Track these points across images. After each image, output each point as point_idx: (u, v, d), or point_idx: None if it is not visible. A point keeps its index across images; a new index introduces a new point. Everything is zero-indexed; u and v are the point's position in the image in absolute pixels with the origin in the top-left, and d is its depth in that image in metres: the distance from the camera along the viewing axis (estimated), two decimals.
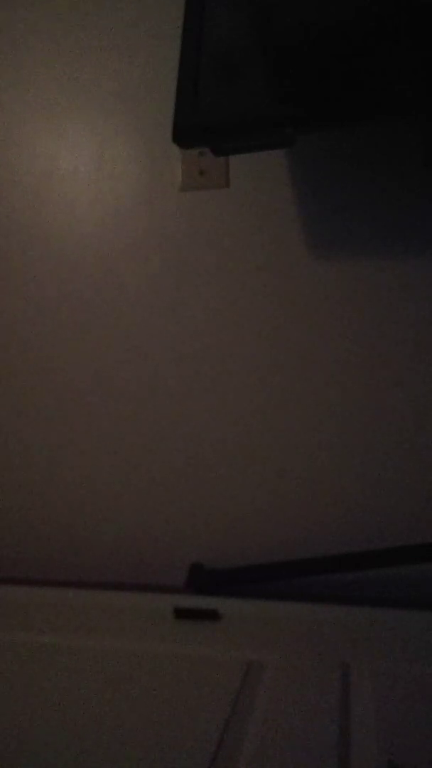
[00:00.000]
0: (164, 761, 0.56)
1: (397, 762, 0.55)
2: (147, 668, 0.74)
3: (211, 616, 0.89)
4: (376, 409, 0.99)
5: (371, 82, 0.72)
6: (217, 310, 1.06)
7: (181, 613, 0.90)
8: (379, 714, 0.63)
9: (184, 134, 0.81)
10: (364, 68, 0.73)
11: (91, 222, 1.11)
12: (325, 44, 0.76)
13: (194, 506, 1.06)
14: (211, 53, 0.81)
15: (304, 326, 1.02)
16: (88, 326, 1.11)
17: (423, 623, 0.85)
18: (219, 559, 1.04)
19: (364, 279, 1.00)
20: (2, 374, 1.14)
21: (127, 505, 1.09)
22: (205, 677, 0.72)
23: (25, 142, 1.14)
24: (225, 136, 0.81)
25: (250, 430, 1.04)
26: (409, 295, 0.98)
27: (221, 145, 0.84)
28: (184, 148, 0.93)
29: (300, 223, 1.02)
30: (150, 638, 0.83)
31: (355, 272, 1.00)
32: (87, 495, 1.10)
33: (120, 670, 0.74)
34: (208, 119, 0.80)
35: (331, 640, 0.81)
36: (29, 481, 1.13)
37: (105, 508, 1.10)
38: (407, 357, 0.98)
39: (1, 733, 0.62)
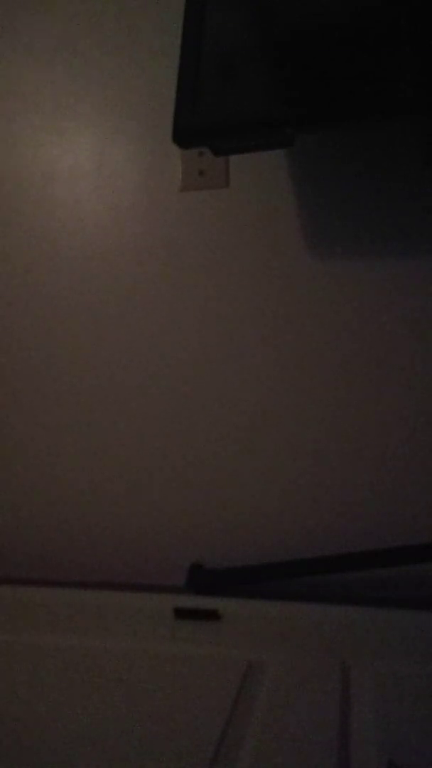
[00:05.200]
0: (164, 761, 0.56)
1: (397, 762, 0.55)
2: (147, 668, 0.74)
3: (211, 616, 0.89)
4: (376, 408, 0.99)
5: (371, 82, 0.72)
6: (217, 309, 1.06)
7: (181, 613, 0.90)
8: (379, 714, 0.63)
9: (184, 134, 0.81)
10: (364, 68, 0.73)
11: (91, 222, 1.11)
12: (325, 44, 0.76)
13: (194, 506, 1.06)
14: (211, 53, 0.81)
15: (304, 326, 1.02)
16: (88, 326, 1.11)
17: (423, 623, 0.85)
18: (219, 559, 1.04)
19: (364, 279, 1.00)
20: (1, 373, 1.14)
21: (127, 505, 1.09)
22: (205, 677, 0.72)
23: (25, 143, 1.14)
24: (225, 136, 0.81)
25: (250, 429, 1.04)
26: (409, 294, 0.98)
27: (221, 145, 0.84)
28: (184, 148, 0.93)
29: (300, 223, 1.02)
30: (150, 638, 0.83)
31: (356, 272, 1.00)
32: (87, 495, 1.10)
33: (120, 670, 0.74)
34: (207, 119, 0.80)
35: (331, 640, 0.81)
36: (29, 482, 1.13)
37: (105, 508, 1.10)
38: (408, 356, 0.98)
39: (1, 733, 0.62)
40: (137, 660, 0.76)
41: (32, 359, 1.13)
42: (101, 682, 0.71)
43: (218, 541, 1.05)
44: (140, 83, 1.09)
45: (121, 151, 1.10)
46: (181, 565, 1.06)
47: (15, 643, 0.81)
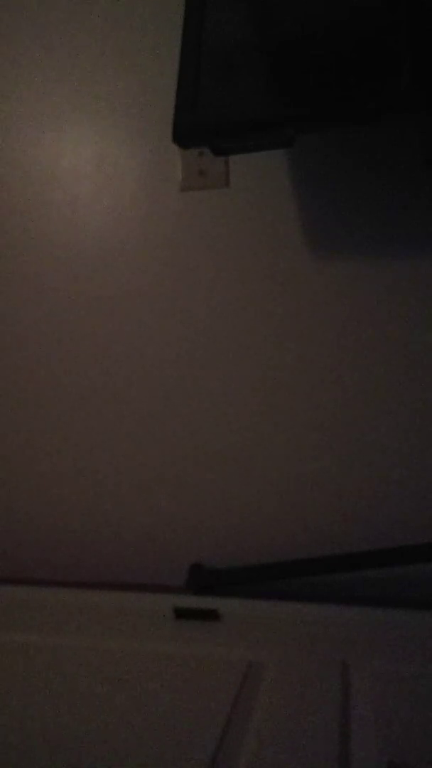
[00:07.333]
0: (164, 761, 0.56)
1: (397, 762, 0.55)
2: (147, 668, 0.74)
3: (211, 616, 0.89)
4: (376, 409, 0.99)
5: (371, 81, 0.72)
6: (217, 309, 1.06)
7: (181, 613, 0.90)
8: (379, 714, 0.63)
9: (184, 134, 0.81)
10: (364, 68, 0.73)
11: (92, 222, 1.11)
12: (326, 43, 0.76)
13: (194, 506, 1.06)
14: (211, 53, 0.81)
15: (305, 326, 1.02)
16: (88, 326, 1.11)
17: (423, 623, 0.85)
18: (219, 559, 1.04)
19: (364, 279, 1.00)
20: (2, 373, 1.14)
21: (127, 505, 1.09)
22: (205, 677, 0.72)
23: (25, 143, 1.14)
24: (225, 136, 0.81)
25: (250, 429, 1.04)
26: (409, 294, 0.98)
27: (221, 145, 0.84)
28: (184, 148, 0.93)
29: (300, 223, 1.02)
30: (150, 638, 0.83)
31: (355, 272, 1.00)
32: (87, 495, 1.10)
33: (120, 670, 0.74)
34: (208, 119, 0.80)
35: (331, 640, 0.81)
36: (29, 482, 1.13)
37: (105, 508, 1.10)
38: (408, 356, 0.98)
39: (1, 733, 0.62)
40: (137, 660, 0.76)
41: (32, 359, 1.13)
42: (101, 682, 0.71)
43: (218, 541, 1.05)
44: (140, 83, 1.09)
45: (121, 151, 1.10)
46: (181, 565, 1.06)
47: (15, 643, 0.81)
